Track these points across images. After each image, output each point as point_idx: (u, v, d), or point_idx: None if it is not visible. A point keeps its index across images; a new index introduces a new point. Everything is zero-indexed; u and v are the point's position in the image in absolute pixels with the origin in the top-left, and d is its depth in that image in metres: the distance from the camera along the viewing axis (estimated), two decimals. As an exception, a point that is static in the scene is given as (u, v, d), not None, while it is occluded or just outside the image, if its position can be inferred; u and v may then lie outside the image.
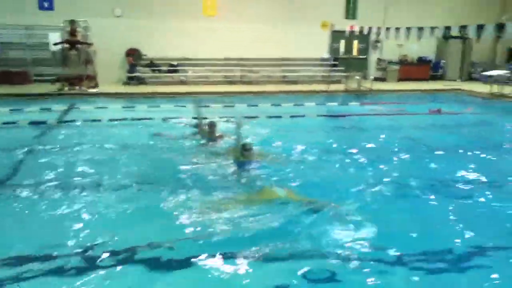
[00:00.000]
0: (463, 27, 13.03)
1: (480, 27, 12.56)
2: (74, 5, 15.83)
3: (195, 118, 9.18)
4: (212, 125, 7.79)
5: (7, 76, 15.13)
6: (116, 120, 9.72)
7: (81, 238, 4.14)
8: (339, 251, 3.87)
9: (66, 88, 13.91)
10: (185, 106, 11.82)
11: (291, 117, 10.43)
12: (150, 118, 9.82)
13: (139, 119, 9.78)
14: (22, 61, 15.68)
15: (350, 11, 18.71)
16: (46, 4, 15.99)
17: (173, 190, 5.28)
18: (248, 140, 6.90)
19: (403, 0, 19.06)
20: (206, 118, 8.48)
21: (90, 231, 4.27)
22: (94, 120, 9.59)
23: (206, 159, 6.65)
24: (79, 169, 6.26)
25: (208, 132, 7.74)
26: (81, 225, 4.42)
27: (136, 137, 8.32)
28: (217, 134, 7.79)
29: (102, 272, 3.58)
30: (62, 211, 4.76)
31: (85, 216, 4.64)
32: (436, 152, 7.55)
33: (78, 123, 9.42)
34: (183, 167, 6.20)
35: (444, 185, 5.94)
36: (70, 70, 14.52)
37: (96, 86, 14.99)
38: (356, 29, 16.66)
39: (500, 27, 12.08)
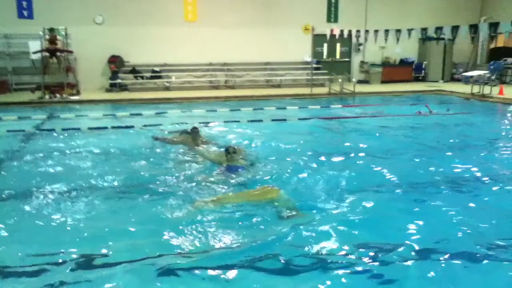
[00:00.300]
0: (439, 29, 13.17)
1: (455, 28, 12.71)
2: (54, 13, 15.77)
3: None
4: (195, 131, 7.72)
5: (-13, 86, 14.96)
6: (96, 128, 9.61)
7: (63, 245, 4.04)
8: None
9: (47, 96, 13.78)
10: (166, 113, 11.74)
11: (273, 120, 10.41)
12: (131, 126, 9.72)
13: (119, 127, 9.69)
14: (2, 70, 15.54)
15: (332, 15, 18.84)
16: (25, 13, 15.89)
17: (155, 197, 5.25)
18: (232, 144, 6.84)
19: (384, 3, 19.24)
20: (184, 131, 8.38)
21: (71, 239, 4.17)
22: (73, 128, 9.47)
23: (190, 165, 6.58)
24: (55, 176, 6.15)
25: (192, 139, 7.64)
26: (60, 231, 4.34)
27: (116, 144, 8.23)
28: (202, 140, 7.73)
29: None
30: (39, 218, 4.66)
31: (64, 223, 4.55)
32: (415, 152, 7.57)
33: (56, 131, 9.30)
34: (165, 173, 6.12)
35: (424, 183, 5.94)
36: (51, 78, 14.41)
37: (78, 93, 14.88)
38: (338, 32, 16.73)
39: (474, 28, 12.23)
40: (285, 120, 10.56)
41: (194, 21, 17.45)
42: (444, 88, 16.54)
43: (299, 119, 10.72)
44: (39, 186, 5.60)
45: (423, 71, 19.82)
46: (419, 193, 5.54)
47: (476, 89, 14.84)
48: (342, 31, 16.77)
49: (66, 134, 9.01)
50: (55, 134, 9.15)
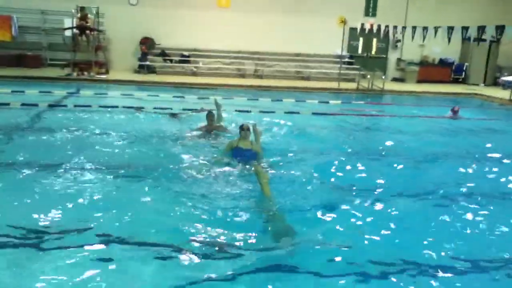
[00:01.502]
0: (482, 28, 12.32)
1: (499, 28, 11.85)
2: (92, -9, 16.01)
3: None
4: (210, 114, 7.67)
5: (22, 59, 15.48)
6: (108, 106, 9.74)
7: (72, 221, 4.12)
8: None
9: (74, 74, 14.10)
10: (183, 97, 11.73)
11: (285, 113, 10.16)
12: (142, 108, 9.78)
13: (130, 107, 9.75)
14: (38, 45, 16.03)
15: (370, 8, 18.18)
16: (65, -10, 16.21)
17: (161, 179, 5.30)
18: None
19: (427, -1, 18.33)
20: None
21: (81, 216, 4.23)
22: (85, 106, 9.62)
23: (201, 149, 6.62)
24: (54, 150, 6.31)
25: (207, 122, 7.62)
26: (72, 208, 4.41)
27: (121, 123, 8.33)
28: (216, 125, 7.71)
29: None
30: (48, 194, 4.76)
31: (76, 199, 4.61)
32: (429, 157, 7.14)
33: (69, 108, 9.50)
34: (177, 157, 6.19)
35: (428, 192, 5.57)
36: (81, 55, 14.73)
37: (106, 72, 15.15)
38: (375, 27, 16.09)
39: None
40: (298, 113, 10.27)
41: (227, 7, 17.30)
42: (482, 92, 15.62)
43: (313, 113, 10.38)
44: (41, 161, 5.73)
45: (463, 72, 18.81)
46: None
47: (516, 95, 13.95)
48: (379, 26, 16.14)
49: (77, 112, 9.19)
50: (66, 109, 9.37)
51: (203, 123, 7.77)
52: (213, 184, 5.19)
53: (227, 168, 5.69)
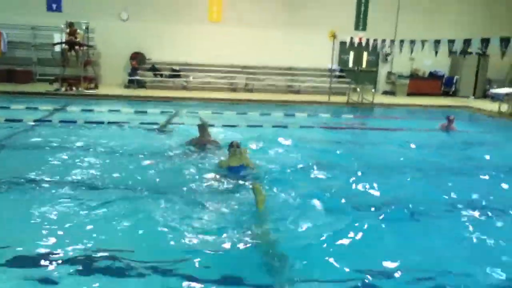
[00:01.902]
0: (468, 41, 12.39)
1: (485, 41, 11.91)
2: (82, 7, 16.08)
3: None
4: (202, 127, 7.60)
5: (12, 75, 15.45)
6: (94, 122, 9.67)
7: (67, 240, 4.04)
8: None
9: (63, 89, 14.04)
10: (172, 111, 11.67)
11: (273, 127, 10.11)
12: (126, 122, 9.72)
13: (116, 122, 9.69)
14: (28, 60, 16.02)
15: (360, 22, 18.31)
16: (54, 6, 16.30)
17: (156, 195, 5.21)
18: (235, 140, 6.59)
19: (416, 12, 18.46)
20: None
21: (71, 234, 4.15)
22: (69, 121, 9.56)
23: (193, 164, 6.55)
24: (38, 167, 6.17)
25: (199, 135, 7.57)
26: (59, 227, 4.30)
27: (110, 139, 8.23)
28: (209, 138, 7.63)
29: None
30: (38, 210, 4.65)
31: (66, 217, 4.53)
32: (421, 171, 7.07)
33: (53, 123, 9.44)
34: (169, 173, 6.14)
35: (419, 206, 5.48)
36: (70, 71, 14.69)
37: (95, 87, 15.11)
38: (364, 40, 16.17)
39: (506, 42, 11.41)
40: (286, 127, 10.22)
41: (218, 22, 17.37)
42: (471, 105, 15.67)
43: (301, 126, 10.35)
44: (25, 176, 5.65)
45: (454, 85, 18.89)
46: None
47: (505, 107, 13.99)
48: (368, 40, 16.20)
49: (58, 126, 9.14)
50: (50, 125, 9.30)
51: (193, 136, 7.73)
52: (208, 201, 5.07)
53: (222, 186, 5.64)
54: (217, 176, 5.93)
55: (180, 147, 7.52)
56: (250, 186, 5.07)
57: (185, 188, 5.47)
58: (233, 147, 6.14)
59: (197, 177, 5.94)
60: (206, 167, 6.45)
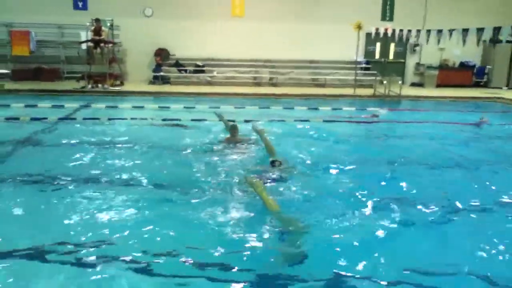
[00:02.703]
0: (498, 29, 11.90)
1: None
2: (107, 5, 16.24)
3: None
4: (233, 128, 7.56)
5: (40, 73, 15.79)
6: (116, 119, 9.76)
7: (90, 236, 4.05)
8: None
9: (89, 86, 14.25)
10: (194, 108, 11.66)
11: (295, 121, 9.98)
12: (151, 118, 9.80)
13: (143, 119, 9.76)
14: (55, 58, 16.33)
15: (387, 12, 17.86)
16: (80, 4, 16.54)
17: (187, 194, 5.13)
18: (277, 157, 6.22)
19: (444, 0, 17.88)
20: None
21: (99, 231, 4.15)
22: (94, 118, 9.67)
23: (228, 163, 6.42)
24: (64, 164, 6.25)
25: (231, 136, 7.51)
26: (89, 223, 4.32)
27: (133, 135, 8.30)
28: (239, 137, 7.54)
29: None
30: (65, 207, 4.70)
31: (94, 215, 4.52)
32: (445, 166, 6.82)
33: (78, 121, 9.56)
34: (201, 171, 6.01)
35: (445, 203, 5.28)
36: (96, 68, 14.90)
37: (121, 84, 15.28)
38: (390, 31, 15.76)
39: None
40: (308, 120, 10.07)
41: (241, 16, 17.26)
42: (504, 96, 15.07)
43: (324, 121, 10.16)
44: (47, 175, 5.68)
45: (485, 76, 18.23)
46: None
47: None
48: (394, 30, 15.80)
49: (83, 124, 9.25)
50: (74, 122, 9.44)
51: (224, 134, 7.79)
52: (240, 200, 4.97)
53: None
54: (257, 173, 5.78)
55: (215, 145, 7.44)
56: (245, 182, 4.95)
57: (220, 186, 5.37)
58: (275, 167, 5.84)
59: (234, 174, 5.80)
60: (238, 164, 6.31)
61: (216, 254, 3.75)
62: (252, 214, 4.54)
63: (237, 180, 5.50)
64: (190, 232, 4.19)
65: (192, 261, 3.64)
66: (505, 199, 5.35)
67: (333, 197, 5.17)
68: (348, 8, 17.26)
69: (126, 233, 4.11)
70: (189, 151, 7.09)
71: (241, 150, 7.06)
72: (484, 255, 3.92)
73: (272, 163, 5.91)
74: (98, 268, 3.50)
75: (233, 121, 8.07)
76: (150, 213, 4.58)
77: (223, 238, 4.04)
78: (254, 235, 4.08)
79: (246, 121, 9.04)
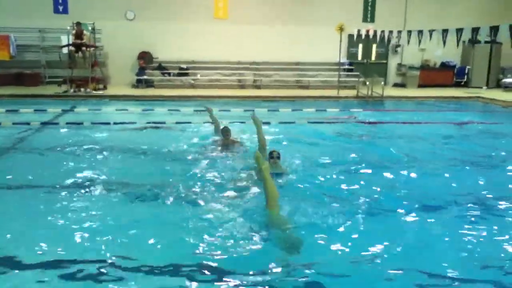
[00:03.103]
0: (476, 30, 12.12)
1: (494, 29, 11.64)
2: (88, 9, 16.08)
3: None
4: (226, 130, 7.55)
5: (21, 78, 15.55)
6: (101, 123, 9.68)
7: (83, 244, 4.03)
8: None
9: (71, 90, 14.09)
10: (179, 110, 11.61)
11: (280, 123, 10.01)
12: (133, 122, 9.72)
13: (123, 123, 9.68)
14: (36, 63, 16.09)
15: (368, 14, 18.05)
16: (60, 8, 16.34)
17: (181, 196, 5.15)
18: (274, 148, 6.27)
19: (425, 2, 18.15)
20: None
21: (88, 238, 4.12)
22: (74, 123, 9.58)
23: (223, 165, 6.44)
24: (47, 170, 6.23)
25: (224, 139, 7.51)
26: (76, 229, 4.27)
27: (113, 139, 8.26)
28: (232, 139, 7.57)
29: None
30: (47, 214, 4.63)
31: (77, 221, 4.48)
32: (427, 165, 6.92)
33: (61, 125, 9.46)
34: (196, 172, 6.04)
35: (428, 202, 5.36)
36: (78, 72, 14.73)
37: (104, 88, 15.15)
38: (372, 32, 15.93)
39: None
40: (293, 122, 10.12)
41: (225, 19, 17.26)
42: (484, 95, 15.34)
43: (309, 122, 10.23)
44: (33, 180, 5.70)
45: (465, 76, 18.53)
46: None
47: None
48: (375, 31, 15.96)
49: (64, 128, 9.17)
50: (58, 127, 9.33)
51: (214, 137, 7.84)
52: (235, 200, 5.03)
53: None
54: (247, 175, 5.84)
55: (205, 147, 7.47)
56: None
57: (213, 188, 5.41)
58: (273, 158, 5.84)
59: (227, 177, 5.84)
60: (235, 167, 6.33)
61: (208, 256, 3.79)
62: (246, 214, 4.58)
63: (233, 182, 5.56)
64: (182, 234, 4.19)
65: (183, 264, 3.65)
66: (488, 197, 5.46)
67: (322, 196, 5.25)
68: (331, 10, 17.41)
69: (111, 237, 4.10)
70: (182, 154, 7.11)
71: (235, 152, 7.11)
72: (465, 254, 4.04)
73: (271, 155, 5.91)
74: (83, 273, 3.50)
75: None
76: (141, 216, 4.61)
77: (216, 239, 4.07)
78: (248, 235, 4.13)
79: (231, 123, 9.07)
